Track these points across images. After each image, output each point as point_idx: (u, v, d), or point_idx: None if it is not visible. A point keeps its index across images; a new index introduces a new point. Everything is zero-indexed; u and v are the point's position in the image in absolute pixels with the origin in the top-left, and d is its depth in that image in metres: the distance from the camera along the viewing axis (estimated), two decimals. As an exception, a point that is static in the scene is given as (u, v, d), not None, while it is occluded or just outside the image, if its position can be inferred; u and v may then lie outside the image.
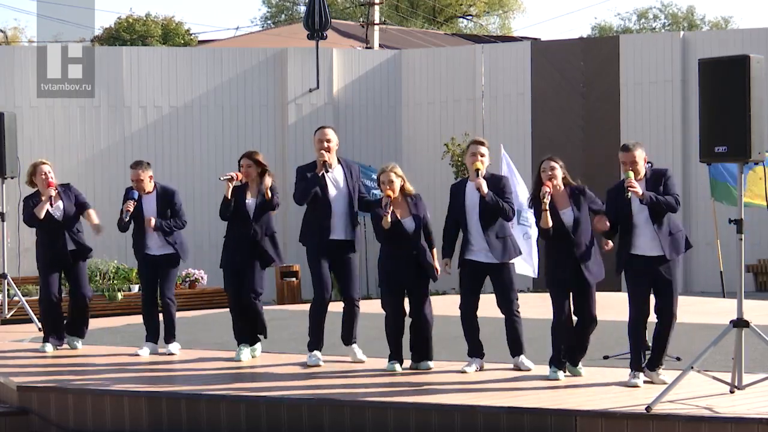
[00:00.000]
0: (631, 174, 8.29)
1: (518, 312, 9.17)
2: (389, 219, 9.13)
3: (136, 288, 17.14)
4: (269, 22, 51.87)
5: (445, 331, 11.35)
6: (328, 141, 9.65)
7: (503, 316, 9.21)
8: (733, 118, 7.80)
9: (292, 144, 22.85)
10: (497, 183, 9.20)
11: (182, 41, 35.43)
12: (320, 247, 9.58)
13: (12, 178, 12.93)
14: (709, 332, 8.66)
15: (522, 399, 7.98)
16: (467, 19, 52.94)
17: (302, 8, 47.98)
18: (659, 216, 8.38)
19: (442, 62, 24.02)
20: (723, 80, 7.90)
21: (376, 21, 34.23)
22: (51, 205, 10.70)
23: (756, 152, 7.82)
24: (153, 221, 10.44)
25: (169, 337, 10.67)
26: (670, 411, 7.37)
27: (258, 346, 10.34)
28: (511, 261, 9.20)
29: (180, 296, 16.12)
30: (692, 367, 7.91)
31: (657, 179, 8.44)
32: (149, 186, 10.65)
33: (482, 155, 9.17)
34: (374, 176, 16.55)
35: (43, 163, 10.91)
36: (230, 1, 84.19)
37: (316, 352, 9.71)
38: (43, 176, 10.77)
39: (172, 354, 10.52)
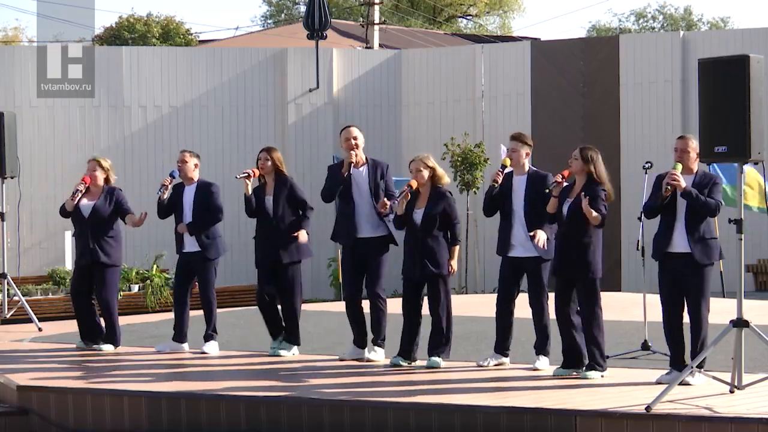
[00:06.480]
0: (679, 166, 8.28)
1: (544, 307, 9.13)
2: (402, 206, 9.25)
3: (135, 288, 17.15)
4: (269, 21, 51.87)
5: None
6: (355, 139, 9.80)
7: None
8: (732, 118, 7.80)
9: (292, 144, 22.85)
10: (540, 182, 9.09)
11: (182, 41, 35.42)
12: (349, 247, 9.74)
13: (12, 177, 12.85)
14: (709, 332, 8.64)
15: (522, 399, 7.98)
16: (467, 19, 52.91)
17: (302, 8, 47.99)
18: (696, 216, 8.29)
19: (442, 62, 24.02)
20: (723, 80, 7.89)
21: (376, 21, 34.23)
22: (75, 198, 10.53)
23: (756, 152, 7.82)
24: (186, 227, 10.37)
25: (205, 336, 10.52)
26: (670, 411, 7.37)
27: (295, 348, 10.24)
28: (547, 258, 9.08)
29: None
30: (692, 367, 7.93)
31: (705, 181, 8.36)
32: (194, 175, 10.60)
33: (514, 151, 9.18)
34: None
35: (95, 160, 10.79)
36: (230, 0, 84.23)
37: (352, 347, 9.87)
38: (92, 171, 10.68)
39: (206, 353, 10.36)
